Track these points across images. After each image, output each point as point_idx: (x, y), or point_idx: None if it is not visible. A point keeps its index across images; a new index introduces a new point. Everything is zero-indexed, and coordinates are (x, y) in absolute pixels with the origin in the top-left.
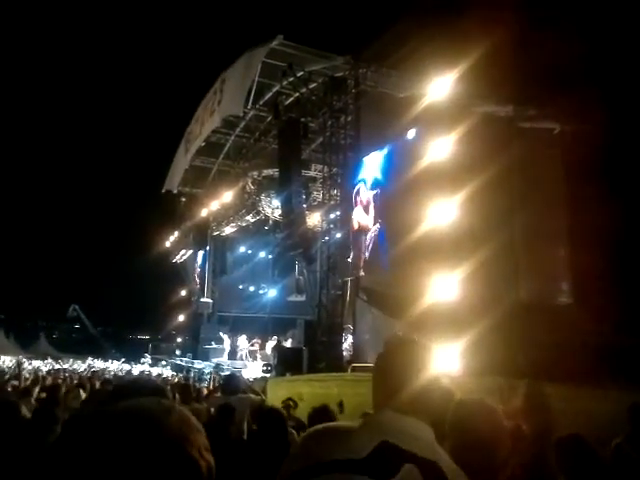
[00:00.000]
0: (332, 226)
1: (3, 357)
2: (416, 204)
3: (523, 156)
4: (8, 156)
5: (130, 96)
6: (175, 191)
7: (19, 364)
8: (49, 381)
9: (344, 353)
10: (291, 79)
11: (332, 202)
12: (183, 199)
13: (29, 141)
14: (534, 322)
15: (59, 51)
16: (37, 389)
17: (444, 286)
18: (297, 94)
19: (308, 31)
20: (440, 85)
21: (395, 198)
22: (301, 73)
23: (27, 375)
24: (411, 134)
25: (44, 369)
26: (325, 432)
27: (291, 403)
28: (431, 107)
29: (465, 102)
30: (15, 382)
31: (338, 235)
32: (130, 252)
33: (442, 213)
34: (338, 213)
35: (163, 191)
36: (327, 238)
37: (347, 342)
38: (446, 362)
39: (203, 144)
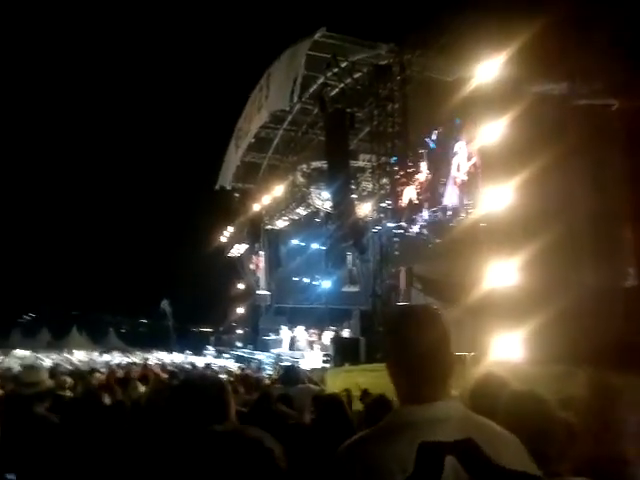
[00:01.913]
0: (383, 215)
1: (77, 351)
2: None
3: (581, 135)
4: (74, 159)
5: (183, 97)
6: (228, 187)
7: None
8: (120, 373)
9: None
10: (335, 70)
11: (382, 191)
12: (236, 195)
13: (99, 143)
14: (600, 308)
15: (111, 48)
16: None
17: (502, 272)
18: (342, 85)
19: (350, 21)
20: (490, 66)
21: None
22: (345, 63)
23: (102, 369)
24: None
25: (114, 362)
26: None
27: (352, 393)
28: (480, 90)
29: (516, 82)
30: (99, 374)
31: (390, 224)
32: (189, 248)
33: (496, 198)
34: (389, 202)
35: (217, 188)
36: (379, 228)
37: None
38: (507, 349)
39: (252, 140)
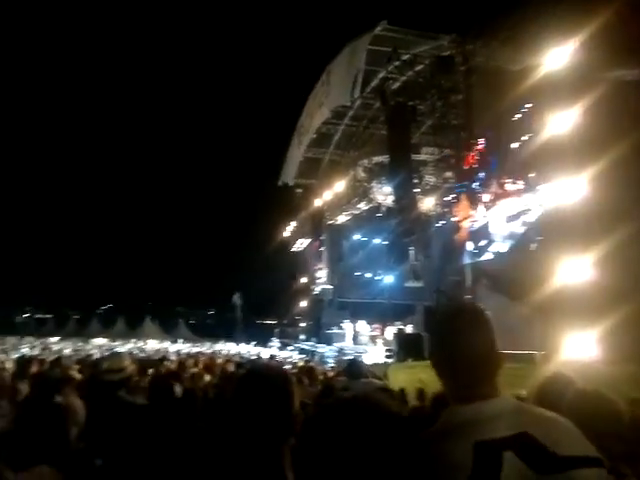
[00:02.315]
0: (447, 210)
1: (150, 341)
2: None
3: None
4: (152, 157)
5: (246, 96)
6: (291, 183)
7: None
8: (189, 363)
9: None
10: (396, 63)
11: (446, 185)
12: (298, 190)
13: (169, 144)
14: None
15: (181, 49)
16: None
17: (575, 268)
18: (403, 78)
19: (411, 13)
20: (559, 53)
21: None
22: (406, 56)
23: (173, 358)
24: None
25: (185, 351)
26: None
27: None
28: (549, 78)
29: (590, 69)
30: (168, 363)
31: (454, 219)
32: (254, 243)
33: (568, 190)
34: (453, 196)
35: (280, 184)
36: (442, 222)
37: None
38: (579, 348)
39: (314, 136)
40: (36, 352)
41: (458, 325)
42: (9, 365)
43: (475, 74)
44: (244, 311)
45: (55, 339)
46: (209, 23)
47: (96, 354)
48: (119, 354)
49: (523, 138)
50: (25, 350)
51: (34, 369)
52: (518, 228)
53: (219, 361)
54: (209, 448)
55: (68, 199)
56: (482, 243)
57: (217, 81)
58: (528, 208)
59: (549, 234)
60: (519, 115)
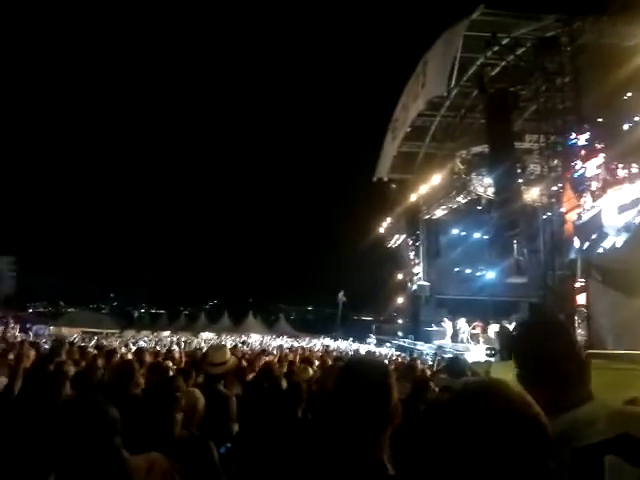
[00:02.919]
0: (554, 200)
1: (253, 335)
2: None
3: None
4: (246, 159)
5: (342, 93)
6: (386, 178)
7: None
8: (290, 357)
9: (578, 338)
10: (496, 48)
11: (552, 174)
12: (393, 185)
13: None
14: None
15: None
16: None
17: None
18: (503, 63)
19: None
20: None
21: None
22: (506, 40)
23: (275, 352)
24: None
25: (285, 346)
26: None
27: None
28: None
29: None
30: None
31: (562, 209)
32: (350, 239)
33: None
34: (560, 185)
35: (374, 179)
36: (549, 214)
37: (581, 326)
38: None
39: (409, 129)
40: (152, 344)
41: (538, 339)
42: (130, 356)
43: (582, 54)
44: (345, 308)
45: (167, 332)
46: (305, 14)
47: (204, 347)
48: (223, 347)
49: (636, 118)
50: (142, 343)
51: (149, 359)
52: (634, 217)
53: (318, 355)
54: (311, 439)
55: (184, 208)
56: (593, 237)
57: (315, 76)
58: None
59: None
60: (630, 94)
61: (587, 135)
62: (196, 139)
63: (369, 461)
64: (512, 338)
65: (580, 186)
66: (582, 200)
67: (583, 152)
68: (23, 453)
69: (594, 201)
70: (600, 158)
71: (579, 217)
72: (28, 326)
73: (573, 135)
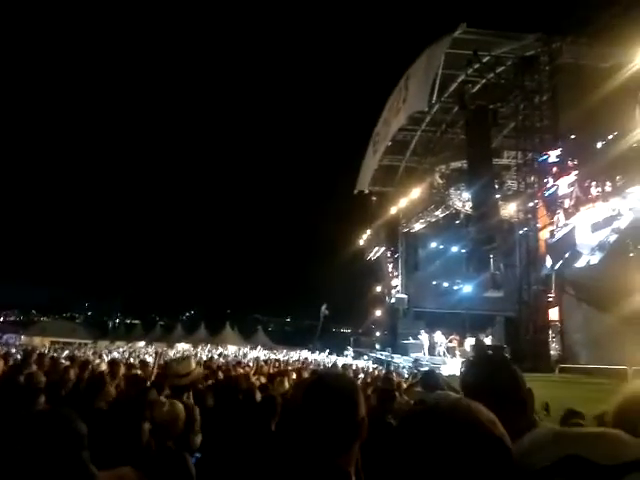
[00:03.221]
0: (530, 216)
1: (230, 346)
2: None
3: None
4: (228, 168)
5: (323, 105)
6: (367, 191)
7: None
8: (265, 369)
9: (551, 352)
10: (477, 66)
11: (529, 190)
12: (374, 198)
13: (234, 149)
14: None
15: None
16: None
17: None
18: (484, 80)
19: (491, 13)
20: None
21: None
22: (487, 58)
23: (250, 364)
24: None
25: (262, 358)
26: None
27: None
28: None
29: None
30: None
31: (538, 225)
32: (328, 251)
33: None
34: (536, 201)
35: (355, 192)
36: (525, 229)
37: (555, 341)
38: None
39: (390, 143)
40: (126, 355)
41: (483, 373)
42: (104, 366)
43: (560, 73)
44: (325, 321)
45: (142, 343)
46: (286, 23)
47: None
48: (187, 358)
49: (609, 137)
50: (115, 354)
51: (122, 371)
52: (607, 236)
53: (294, 367)
54: (280, 452)
55: (156, 215)
56: (566, 255)
57: (299, 90)
58: (618, 213)
59: None
60: (605, 114)
61: (558, 152)
62: (174, 153)
63: (335, 473)
64: (461, 374)
65: (552, 204)
66: (555, 218)
67: (555, 169)
68: None
69: (567, 219)
70: (572, 176)
71: (552, 235)
72: None
73: (545, 152)
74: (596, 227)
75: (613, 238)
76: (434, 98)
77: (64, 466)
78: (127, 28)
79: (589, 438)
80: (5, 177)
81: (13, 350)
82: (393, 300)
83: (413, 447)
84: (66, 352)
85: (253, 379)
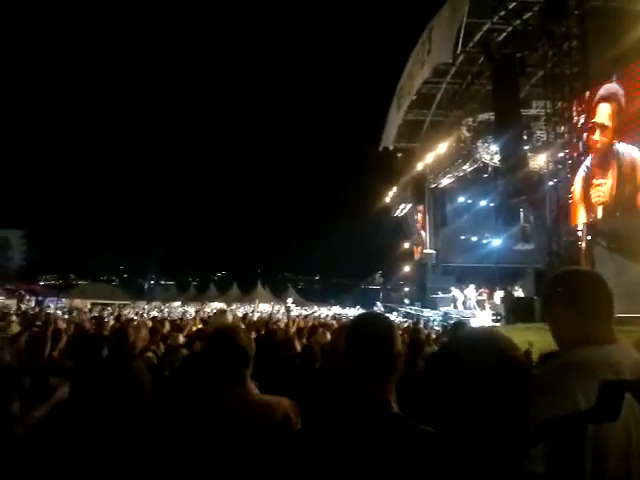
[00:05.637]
0: (560, 167)
1: (262, 304)
2: None
3: None
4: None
5: (347, 62)
6: (391, 147)
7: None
8: (301, 324)
9: None
10: (502, 13)
11: (559, 140)
12: (399, 154)
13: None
14: None
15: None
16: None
17: None
18: (510, 28)
19: None
20: None
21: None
22: (513, 4)
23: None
24: None
25: (293, 314)
26: None
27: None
28: None
29: None
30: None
31: (569, 176)
32: (356, 210)
33: None
34: (567, 151)
35: (380, 149)
36: (555, 180)
37: None
38: None
39: (414, 97)
40: (165, 314)
41: (590, 280)
42: (150, 324)
43: (590, 18)
44: (348, 275)
45: (178, 303)
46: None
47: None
48: (224, 312)
49: None
50: (154, 312)
51: (167, 328)
52: None
53: (330, 322)
54: (322, 392)
55: (192, 180)
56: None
57: (321, 47)
58: None
59: None
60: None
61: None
62: (207, 112)
63: (373, 399)
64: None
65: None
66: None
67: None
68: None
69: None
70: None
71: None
72: (40, 299)
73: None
74: None
75: None
76: (459, 49)
77: (227, 380)
78: (133, 25)
79: None
80: (39, 145)
81: (59, 312)
82: (421, 255)
83: (448, 369)
84: (107, 312)
85: (292, 332)
